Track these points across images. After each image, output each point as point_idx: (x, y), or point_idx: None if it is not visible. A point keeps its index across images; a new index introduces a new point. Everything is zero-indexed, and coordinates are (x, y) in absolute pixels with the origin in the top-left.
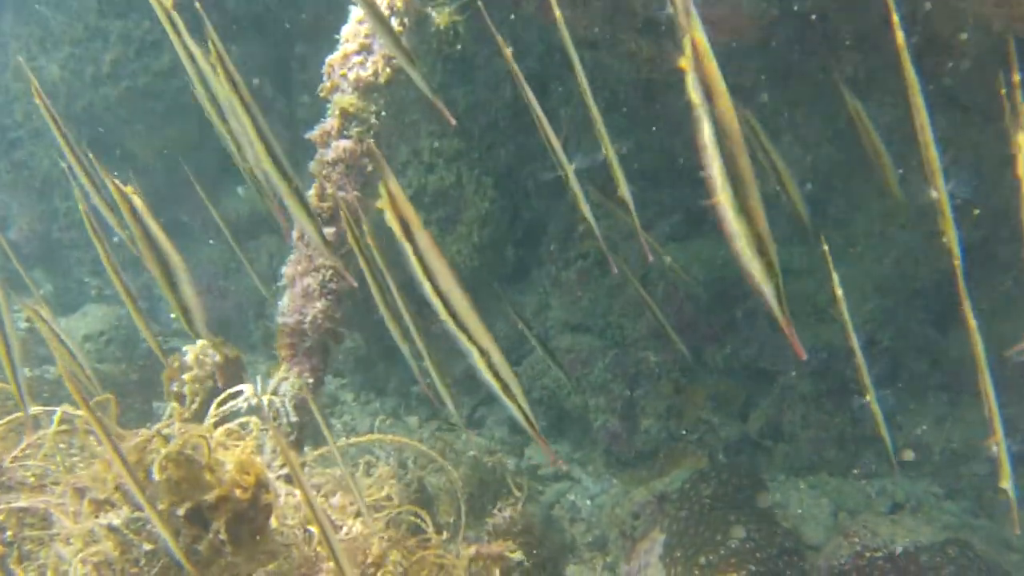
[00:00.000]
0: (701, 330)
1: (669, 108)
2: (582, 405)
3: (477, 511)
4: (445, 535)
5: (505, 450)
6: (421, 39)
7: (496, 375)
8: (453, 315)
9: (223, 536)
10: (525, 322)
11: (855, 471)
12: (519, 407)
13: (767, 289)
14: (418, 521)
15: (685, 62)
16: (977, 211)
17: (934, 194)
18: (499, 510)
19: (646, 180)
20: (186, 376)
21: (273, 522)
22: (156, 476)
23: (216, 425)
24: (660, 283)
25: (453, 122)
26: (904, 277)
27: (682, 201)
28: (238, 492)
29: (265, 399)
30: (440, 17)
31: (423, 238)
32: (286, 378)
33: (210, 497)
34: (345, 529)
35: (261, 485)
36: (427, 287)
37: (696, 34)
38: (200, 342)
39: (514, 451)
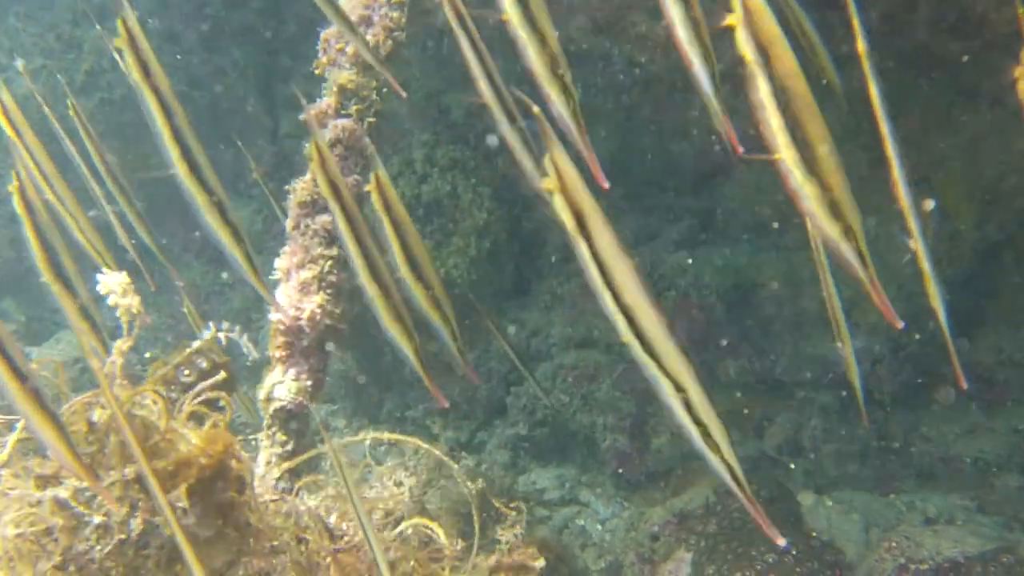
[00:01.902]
0: (714, 342)
1: (675, 110)
2: (589, 424)
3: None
4: (460, 545)
5: (508, 476)
6: (423, 11)
7: (695, 419)
8: (640, 336)
9: (184, 505)
10: (502, 332)
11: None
12: (725, 463)
13: (846, 248)
14: (428, 532)
15: (734, 19)
16: None
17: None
18: (510, 525)
19: (652, 185)
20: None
21: (252, 518)
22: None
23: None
24: (671, 292)
25: (403, 94)
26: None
27: (691, 206)
28: (202, 458)
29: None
30: None
31: (602, 234)
32: (282, 381)
33: (168, 463)
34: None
35: (230, 454)
36: (606, 297)
37: None
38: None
39: (517, 475)
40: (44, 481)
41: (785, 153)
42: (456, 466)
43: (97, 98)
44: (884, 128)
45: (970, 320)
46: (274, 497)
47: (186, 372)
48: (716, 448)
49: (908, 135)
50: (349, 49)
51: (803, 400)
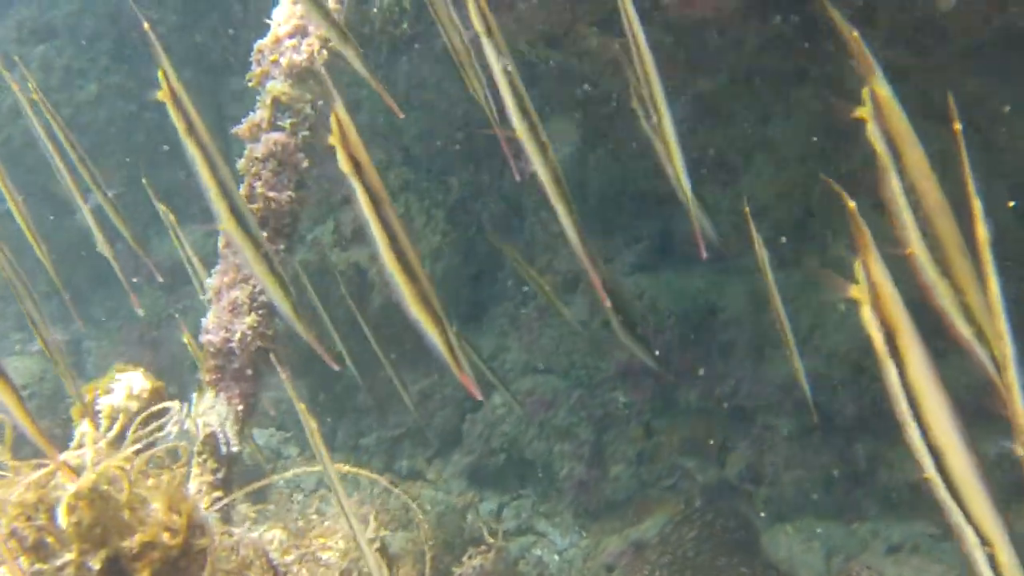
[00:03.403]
0: (673, 367)
1: (632, 127)
2: (546, 452)
3: (442, 571)
4: None
5: (464, 502)
6: (363, 18)
7: None
8: (948, 477)
9: None
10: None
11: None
12: None
13: (979, 351)
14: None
15: (864, 112)
16: None
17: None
18: (469, 557)
19: (609, 204)
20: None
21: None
22: (62, 520)
23: (138, 453)
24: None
25: (401, 115)
26: None
27: (649, 228)
28: (166, 536)
29: (200, 422)
30: None
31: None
32: (212, 406)
33: (132, 544)
34: None
35: (194, 527)
36: (913, 432)
37: (877, 85)
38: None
39: (473, 502)
40: None
41: (917, 250)
42: (412, 501)
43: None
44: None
45: (936, 346)
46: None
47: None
48: None
49: (871, 151)
50: (283, 60)
51: (764, 426)
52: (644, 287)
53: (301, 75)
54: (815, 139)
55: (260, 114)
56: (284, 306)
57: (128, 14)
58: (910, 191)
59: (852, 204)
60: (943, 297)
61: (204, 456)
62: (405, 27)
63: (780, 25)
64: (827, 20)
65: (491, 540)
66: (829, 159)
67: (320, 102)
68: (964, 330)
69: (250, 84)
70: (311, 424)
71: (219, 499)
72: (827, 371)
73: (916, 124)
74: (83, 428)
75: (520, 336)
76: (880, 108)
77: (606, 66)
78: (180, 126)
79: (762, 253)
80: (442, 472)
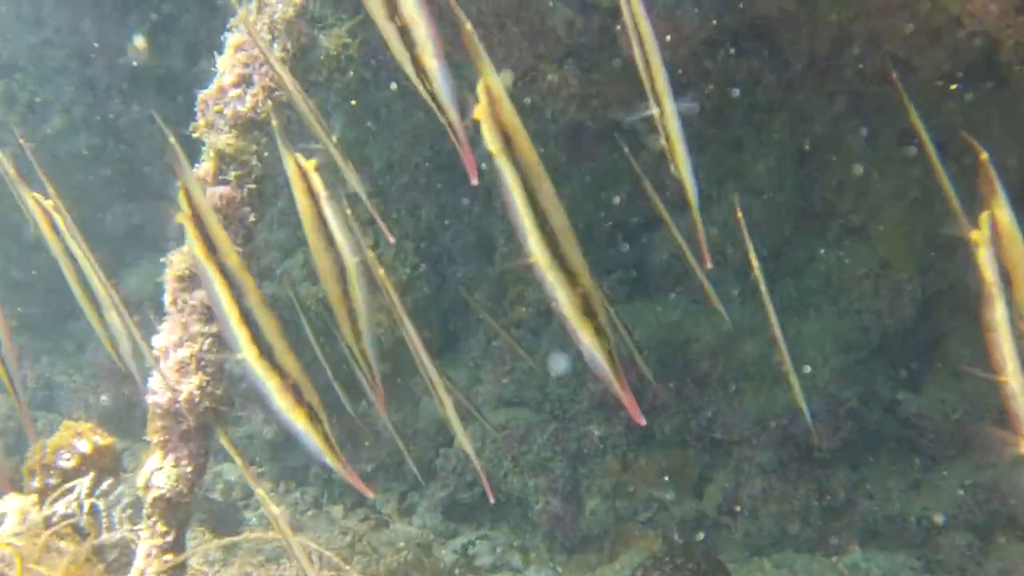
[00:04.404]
0: (648, 399)
1: (601, 157)
2: (521, 486)
3: None
4: None
5: (439, 538)
6: (309, 66)
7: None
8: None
9: None
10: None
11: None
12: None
13: None
14: None
15: (977, 234)
16: None
17: None
18: None
19: (582, 237)
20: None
21: None
22: None
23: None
24: None
25: (392, 239)
26: (866, 331)
27: (623, 259)
28: None
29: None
30: (330, 41)
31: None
32: (160, 468)
33: None
34: None
35: None
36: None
37: (998, 209)
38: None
39: (448, 539)
40: None
41: (1012, 379)
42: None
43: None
44: None
45: (914, 373)
46: None
47: (65, 457)
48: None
49: (846, 182)
50: (228, 111)
51: (741, 458)
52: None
53: (246, 126)
54: (789, 167)
55: (204, 167)
56: (315, 440)
57: (92, 46)
58: (1016, 320)
59: (984, 155)
60: None
61: (154, 519)
62: (352, 74)
63: (747, 58)
64: (795, 54)
65: None
66: (803, 187)
67: (266, 153)
68: None
69: (194, 135)
70: (260, 494)
71: (169, 563)
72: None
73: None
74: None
75: (493, 368)
76: (999, 235)
77: (569, 100)
78: (199, 250)
79: (761, 283)
80: (416, 507)
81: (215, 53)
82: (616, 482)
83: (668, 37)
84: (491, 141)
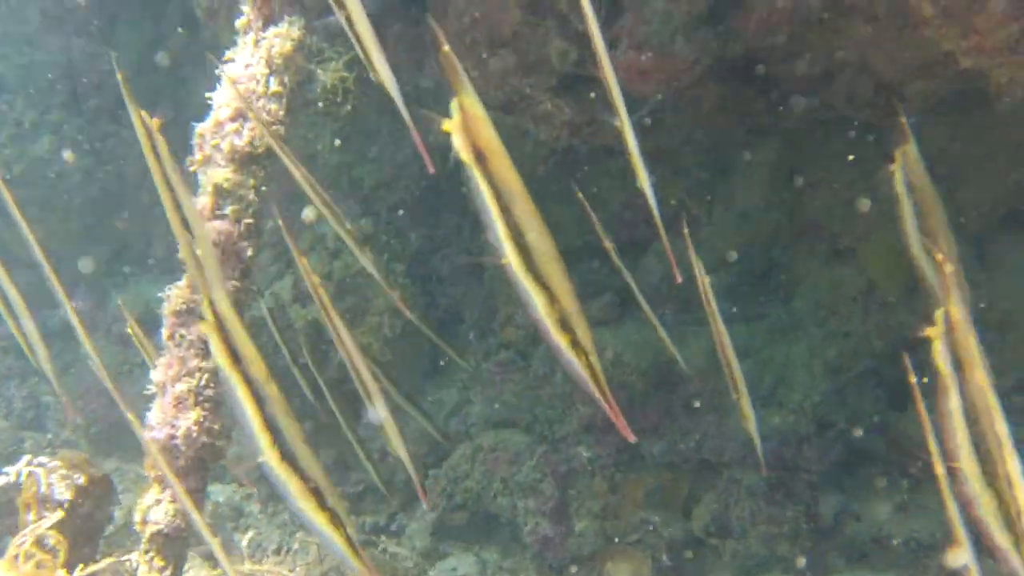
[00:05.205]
0: (636, 421)
1: (591, 179)
2: (510, 508)
3: None
4: None
5: (427, 561)
6: (306, 100)
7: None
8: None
9: None
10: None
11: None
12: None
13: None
14: None
15: (933, 331)
16: None
17: None
18: None
19: (569, 258)
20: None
21: None
22: None
23: None
24: None
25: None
26: (856, 354)
27: (610, 281)
28: None
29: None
30: (327, 75)
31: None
32: (158, 502)
33: None
34: None
35: None
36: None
37: (952, 307)
38: (59, 459)
39: (436, 560)
40: None
41: (965, 465)
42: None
43: None
44: None
45: (902, 394)
46: None
47: (60, 490)
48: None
49: (832, 201)
50: (225, 145)
51: (729, 480)
52: (607, 341)
53: (243, 160)
54: (778, 190)
55: (202, 201)
56: (338, 543)
57: (81, 66)
58: (969, 410)
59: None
60: (984, 511)
61: (151, 554)
62: (349, 108)
63: (739, 86)
64: (785, 80)
65: None
66: (791, 210)
67: (263, 188)
68: (1003, 541)
69: (191, 169)
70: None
71: None
72: (793, 425)
73: None
74: None
75: (482, 390)
76: (952, 330)
77: (561, 127)
78: (223, 360)
79: (712, 307)
80: (406, 528)
81: (202, 75)
82: (605, 503)
83: (663, 73)
84: (463, 151)
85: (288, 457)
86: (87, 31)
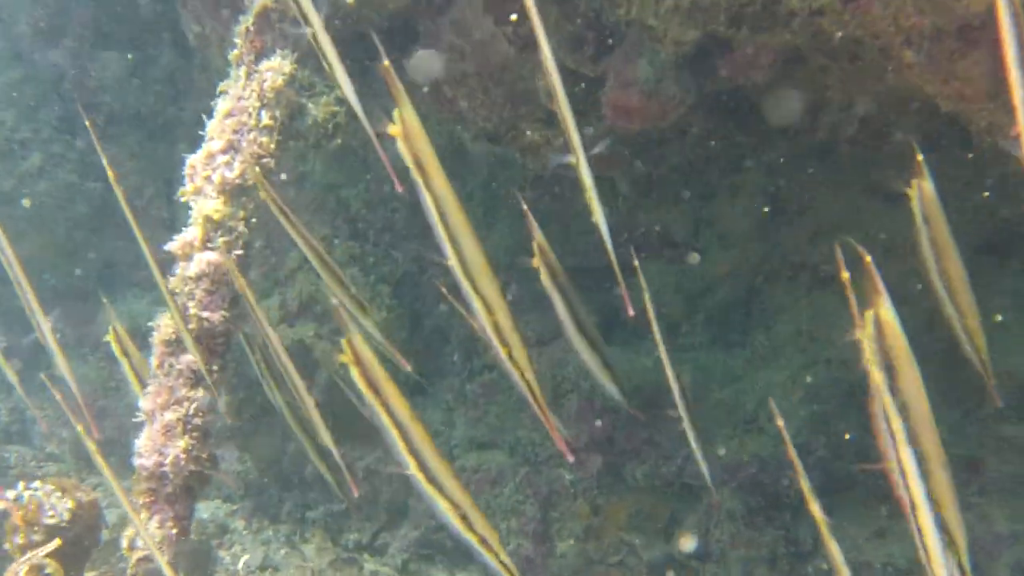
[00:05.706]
0: (619, 445)
1: (577, 205)
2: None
3: None
4: None
5: None
6: (297, 133)
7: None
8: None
9: None
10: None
11: None
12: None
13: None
14: None
15: (864, 334)
16: None
17: None
18: None
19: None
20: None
21: None
22: None
23: None
24: (574, 394)
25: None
26: (836, 381)
27: (594, 305)
28: None
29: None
30: (318, 108)
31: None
32: (145, 529)
33: None
34: None
35: None
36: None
37: (882, 309)
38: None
39: None
40: None
41: (893, 465)
42: None
43: None
44: None
45: None
46: None
47: (50, 514)
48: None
49: (820, 230)
50: (216, 177)
51: (711, 504)
52: None
53: (234, 192)
54: (761, 218)
55: (192, 232)
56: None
57: (71, 81)
58: (902, 409)
59: (868, 258)
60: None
61: None
62: (339, 142)
63: (723, 120)
64: (770, 117)
65: None
66: (775, 238)
67: (253, 219)
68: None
69: (182, 200)
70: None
71: None
72: (773, 451)
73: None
74: None
75: (466, 412)
76: (881, 332)
77: (547, 158)
78: (371, 395)
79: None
80: (388, 547)
81: (191, 96)
82: (587, 525)
83: (649, 112)
84: (406, 157)
85: (434, 481)
86: (78, 48)
